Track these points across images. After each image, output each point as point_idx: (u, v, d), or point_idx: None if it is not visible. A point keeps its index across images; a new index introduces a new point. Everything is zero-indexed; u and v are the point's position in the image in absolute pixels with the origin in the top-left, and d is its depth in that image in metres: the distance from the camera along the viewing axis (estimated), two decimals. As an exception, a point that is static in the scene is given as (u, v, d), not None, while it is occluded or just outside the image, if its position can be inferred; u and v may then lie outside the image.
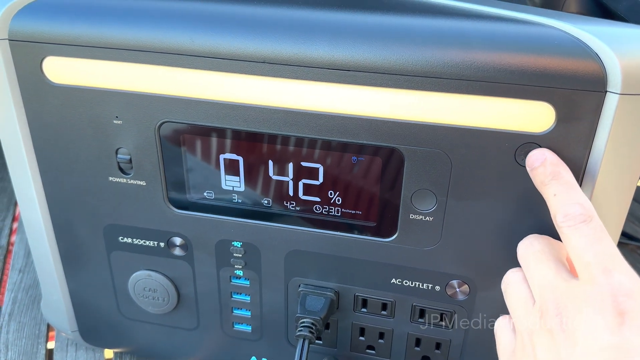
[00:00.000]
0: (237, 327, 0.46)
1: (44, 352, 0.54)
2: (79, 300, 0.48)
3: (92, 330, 0.50)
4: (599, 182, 0.34)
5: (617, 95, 0.31)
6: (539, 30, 0.32)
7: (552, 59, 0.31)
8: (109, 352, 0.54)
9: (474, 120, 0.33)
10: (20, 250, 0.68)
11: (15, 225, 0.73)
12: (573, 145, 0.33)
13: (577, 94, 0.31)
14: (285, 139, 0.37)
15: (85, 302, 0.48)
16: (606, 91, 0.31)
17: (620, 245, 0.71)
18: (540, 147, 0.33)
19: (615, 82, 0.30)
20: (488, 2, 0.36)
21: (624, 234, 0.73)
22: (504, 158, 0.34)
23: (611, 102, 0.31)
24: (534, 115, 0.32)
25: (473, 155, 0.34)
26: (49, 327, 0.56)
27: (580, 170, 0.33)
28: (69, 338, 0.54)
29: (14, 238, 0.70)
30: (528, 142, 0.33)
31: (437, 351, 0.42)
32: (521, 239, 0.36)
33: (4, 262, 0.66)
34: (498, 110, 0.33)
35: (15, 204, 0.77)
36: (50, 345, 0.55)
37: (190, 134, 0.38)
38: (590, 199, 0.34)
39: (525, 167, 0.34)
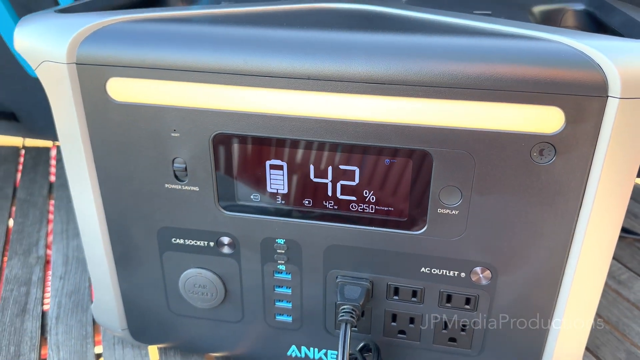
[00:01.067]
0: (279, 318, 0.50)
1: (92, 350, 0.58)
2: (130, 299, 0.52)
3: (141, 328, 0.54)
4: (603, 177, 0.39)
5: (617, 99, 0.36)
6: (548, 45, 0.37)
7: (560, 69, 0.36)
8: (153, 349, 0.58)
9: (495, 124, 0.38)
10: (58, 259, 0.72)
11: (50, 238, 0.77)
12: (580, 143, 0.38)
13: (583, 99, 0.36)
14: (326, 145, 0.42)
15: (136, 302, 0.52)
16: (607, 96, 0.36)
17: (620, 239, 0.76)
18: (553, 146, 0.38)
19: (615, 88, 0.35)
20: (501, 22, 0.41)
21: (622, 229, 0.78)
22: (521, 156, 0.39)
23: (612, 105, 0.36)
24: (546, 118, 0.37)
25: (494, 155, 0.39)
26: (94, 329, 0.60)
27: (586, 166, 0.38)
28: (117, 336, 0.58)
29: (49, 249, 0.74)
30: (541, 141, 0.38)
31: (462, 333, 0.47)
32: (537, 226, 0.41)
33: (44, 271, 0.70)
34: (515, 115, 0.38)
35: (48, 218, 0.81)
36: (98, 344, 0.59)
37: (241, 144, 0.43)
38: (595, 194, 0.39)
39: (539, 164, 0.39)
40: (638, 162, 0.39)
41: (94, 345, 0.58)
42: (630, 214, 0.84)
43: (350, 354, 0.45)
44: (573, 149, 0.38)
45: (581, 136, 0.37)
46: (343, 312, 0.44)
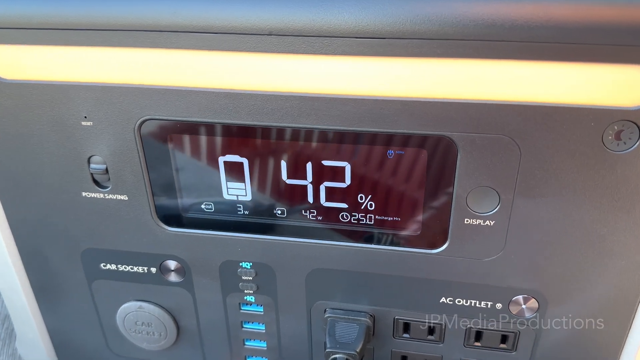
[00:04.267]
0: (252, 361, 0.39)
1: (24, 396, 0.46)
2: (60, 337, 0.42)
3: (78, 371, 0.43)
4: None
5: None
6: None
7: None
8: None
9: (549, 94, 0.26)
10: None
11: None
12: (679, 120, 0.25)
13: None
14: (301, 133, 0.30)
15: (68, 340, 0.42)
16: None
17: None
18: (637, 125, 0.26)
19: None
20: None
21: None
22: (589, 142, 0.27)
23: None
24: (627, 85, 0.26)
25: (548, 140, 0.27)
26: (30, 366, 0.49)
27: (685, 152, 0.26)
28: (53, 379, 0.46)
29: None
30: (620, 119, 0.26)
31: (497, 379, 0.35)
32: (606, 240, 0.29)
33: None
34: (580, 81, 0.26)
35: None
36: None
37: (180, 133, 0.31)
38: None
39: (614, 151, 0.26)
40: None
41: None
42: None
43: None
44: (668, 129, 0.26)
45: (681, 109, 0.25)
46: (334, 364, 0.32)
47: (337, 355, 0.33)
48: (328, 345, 0.34)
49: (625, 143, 0.27)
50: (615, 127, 0.26)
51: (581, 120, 0.26)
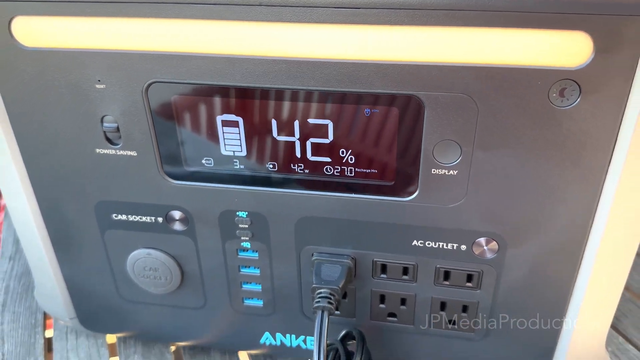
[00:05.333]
0: (248, 302, 0.43)
1: (42, 341, 0.50)
2: (75, 285, 0.45)
3: (91, 315, 0.47)
4: (640, 122, 0.30)
5: (666, 17, 0.27)
6: (573, -52, 0.28)
7: (590, -20, 0.27)
8: (111, 337, 0.51)
9: (501, 57, 0.30)
10: (9, 237, 0.64)
11: (1, 214, 0.69)
12: (613, 80, 0.29)
13: (618, 20, 0.28)
14: (289, 94, 0.33)
15: (82, 287, 0.45)
16: (653, 14, 0.27)
17: None
18: (577, 83, 0.30)
19: (663, 2, 0.27)
20: None
21: None
22: (537, 99, 0.30)
23: (658, 27, 0.27)
24: (569, 48, 0.29)
25: (501, 98, 0.31)
26: (45, 316, 0.53)
27: (619, 110, 0.30)
28: (68, 325, 0.51)
29: (0, 226, 0.67)
30: (563, 78, 0.30)
31: (463, 314, 0.40)
32: (556, 187, 0.33)
33: (-7, 251, 0.62)
34: (528, 44, 0.29)
35: None
36: (49, 333, 0.52)
37: (183, 95, 0.34)
38: (629, 146, 0.31)
39: (559, 107, 0.30)
40: (688, 101, 0.30)
41: (44, 336, 0.51)
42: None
43: (330, 344, 0.38)
44: (603, 87, 0.30)
45: (614, 71, 0.29)
46: (319, 297, 0.37)
47: (321, 290, 0.37)
48: (314, 282, 0.38)
49: (568, 100, 0.30)
50: (559, 86, 0.30)
51: (529, 79, 0.30)
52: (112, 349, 0.50)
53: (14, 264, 0.60)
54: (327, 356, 0.37)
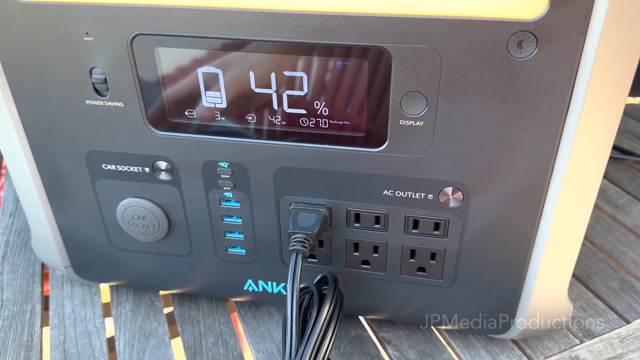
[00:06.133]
0: (231, 250, 0.45)
1: (39, 290, 0.53)
2: (69, 234, 0.48)
3: (84, 264, 0.50)
4: (595, 73, 0.32)
5: (615, -30, 0.29)
6: None
7: None
8: (105, 287, 0.54)
9: (463, 9, 0.31)
10: (10, 196, 0.66)
11: (3, 172, 0.71)
12: (568, 31, 0.31)
13: (572, -27, 0.29)
14: (265, 46, 0.35)
15: (75, 236, 0.48)
16: (603, -33, 0.29)
17: (618, 160, 0.70)
18: (534, 35, 0.31)
19: (612, -45, 0.28)
20: None
21: (622, 150, 0.72)
22: (496, 50, 0.32)
23: (608, -21, 0.29)
24: (526, 0, 0.31)
25: (463, 50, 0.32)
26: (43, 267, 0.56)
27: (575, 61, 0.32)
28: (63, 274, 0.54)
29: (1, 184, 0.69)
30: (520, 30, 0.31)
31: (432, 262, 0.42)
32: (516, 137, 0.35)
33: (-6, 208, 0.65)
34: None
35: None
36: (46, 284, 0.54)
37: (165, 47, 0.36)
38: (584, 95, 0.32)
39: (517, 58, 0.32)
40: (638, 53, 0.32)
41: (42, 285, 0.54)
42: (631, 134, 0.77)
43: (305, 287, 0.41)
44: (558, 38, 0.31)
45: (568, 22, 0.31)
46: (294, 241, 0.39)
47: (296, 235, 0.39)
48: (290, 228, 0.40)
49: (526, 51, 0.32)
50: (517, 37, 0.31)
51: (489, 31, 0.31)
52: (105, 298, 0.53)
53: (14, 220, 0.62)
54: (302, 298, 0.40)
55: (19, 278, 0.55)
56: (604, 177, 0.67)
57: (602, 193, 0.66)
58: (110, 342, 0.48)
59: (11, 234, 0.60)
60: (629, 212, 0.63)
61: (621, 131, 0.78)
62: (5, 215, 0.63)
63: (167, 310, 0.51)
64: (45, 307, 0.52)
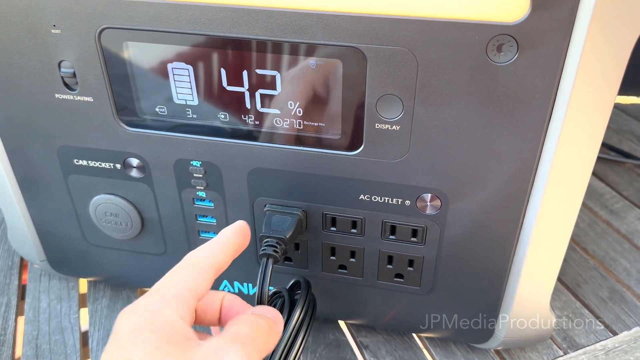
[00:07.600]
0: (205, 251, 0.44)
1: (16, 282, 0.53)
2: (43, 228, 0.47)
3: (60, 259, 0.49)
4: (579, 79, 0.30)
5: (601, -29, 0.27)
6: None
7: None
8: (83, 282, 0.53)
9: (441, 10, 0.30)
10: (-5, 185, 0.66)
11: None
12: (551, 35, 0.29)
13: (556, -26, 0.27)
14: (236, 43, 0.34)
15: (50, 230, 0.47)
16: (588, -32, 0.27)
17: (617, 163, 0.68)
18: (515, 39, 0.30)
19: (598, -44, 0.27)
20: None
21: (622, 153, 0.70)
22: (475, 54, 0.30)
23: (593, -18, 0.27)
24: (506, 3, 0.29)
25: (441, 53, 0.31)
26: (22, 259, 0.55)
27: (558, 66, 0.30)
28: (42, 269, 0.53)
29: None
30: (500, 33, 0.30)
31: (410, 268, 0.40)
32: (496, 144, 0.33)
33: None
34: None
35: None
36: (25, 276, 0.54)
37: (134, 42, 0.35)
38: (568, 101, 0.31)
39: (497, 63, 0.30)
40: (626, 58, 0.30)
41: (20, 277, 0.53)
42: (632, 135, 0.75)
43: (277, 292, 0.39)
44: (541, 43, 0.30)
45: (551, 26, 0.29)
46: (265, 245, 0.38)
47: (268, 239, 0.38)
48: (263, 231, 0.39)
49: (506, 55, 0.30)
50: (497, 41, 0.30)
51: (467, 34, 0.30)
52: (83, 292, 0.52)
53: (-4, 210, 0.62)
54: (274, 303, 0.39)
55: (-3, 270, 0.54)
56: (601, 180, 0.66)
57: (598, 197, 0.64)
58: (85, 337, 0.48)
59: (-8, 224, 0.60)
60: (625, 217, 0.61)
61: (622, 132, 0.76)
62: (-12, 204, 0.63)
63: (144, 307, 0.50)
64: (23, 297, 0.51)
